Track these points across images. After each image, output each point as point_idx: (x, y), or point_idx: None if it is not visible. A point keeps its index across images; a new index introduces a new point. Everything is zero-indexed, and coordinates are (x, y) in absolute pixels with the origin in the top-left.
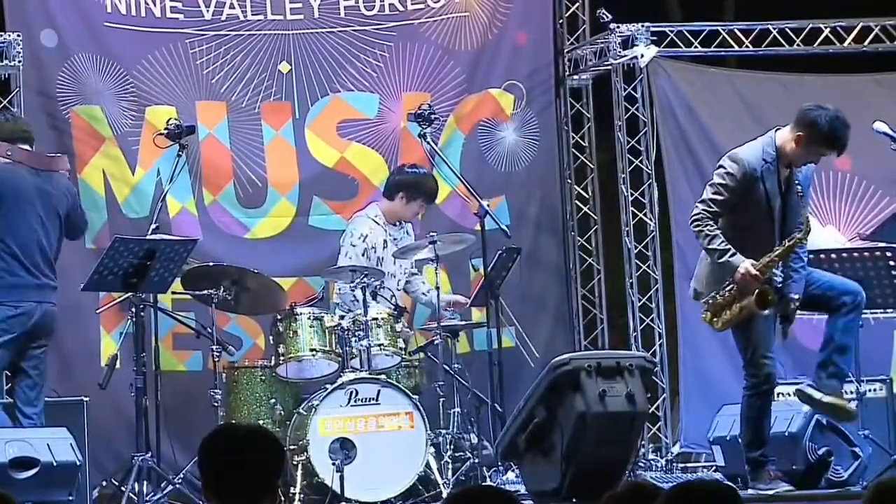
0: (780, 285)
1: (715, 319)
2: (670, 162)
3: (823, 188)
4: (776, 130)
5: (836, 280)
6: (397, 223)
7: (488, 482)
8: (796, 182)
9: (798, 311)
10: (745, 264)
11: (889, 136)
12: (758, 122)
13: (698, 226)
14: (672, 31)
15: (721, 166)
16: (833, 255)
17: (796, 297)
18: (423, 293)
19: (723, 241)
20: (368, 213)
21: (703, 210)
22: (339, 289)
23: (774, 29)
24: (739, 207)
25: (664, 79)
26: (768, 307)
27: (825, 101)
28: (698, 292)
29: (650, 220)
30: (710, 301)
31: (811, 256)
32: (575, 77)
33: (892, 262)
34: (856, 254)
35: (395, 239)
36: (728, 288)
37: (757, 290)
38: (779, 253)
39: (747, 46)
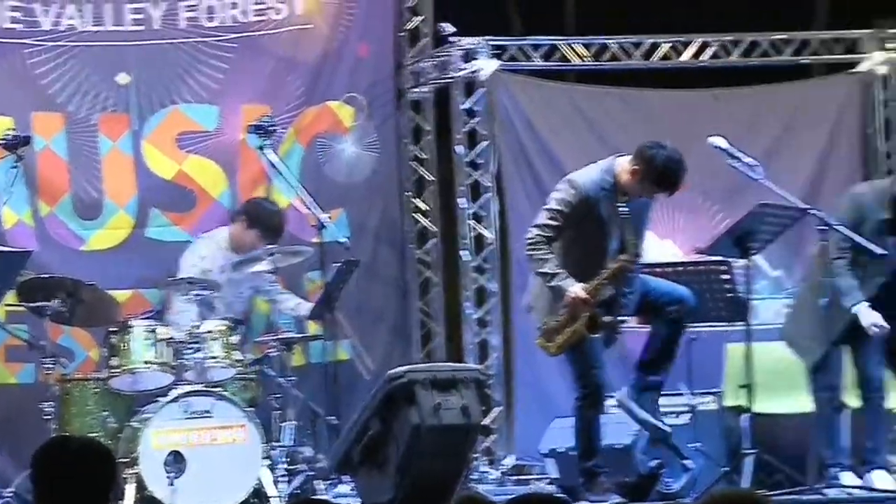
0: (610, 306)
1: (549, 344)
2: (509, 176)
3: (662, 203)
4: (616, 157)
5: (669, 288)
6: (240, 252)
7: (322, 495)
8: (625, 208)
9: (634, 323)
10: (573, 288)
11: (725, 151)
12: (598, 137)
13: (531, 249)
14: (513, 46)
15: (558, 190)
16: (669, 269)
17: (624, 319)
18: (291, 308)
19: (554, 265)
20: (214, 235)
21: (538, 234)
22: (175, 301)
23: (615, 44)
24: (576, 231)
25: (504, 93)
26: (598, 331)
27: (664, 116)
28: (531, 306)
29: (489, 233)
30: (543, 327)
31: (647, 270)
32: (416, 90)
33: (725, 276)
34: (691, 267)
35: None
36: (560, 312)
37: (587, 315)
38: (607, 275)
39: (588, 60)
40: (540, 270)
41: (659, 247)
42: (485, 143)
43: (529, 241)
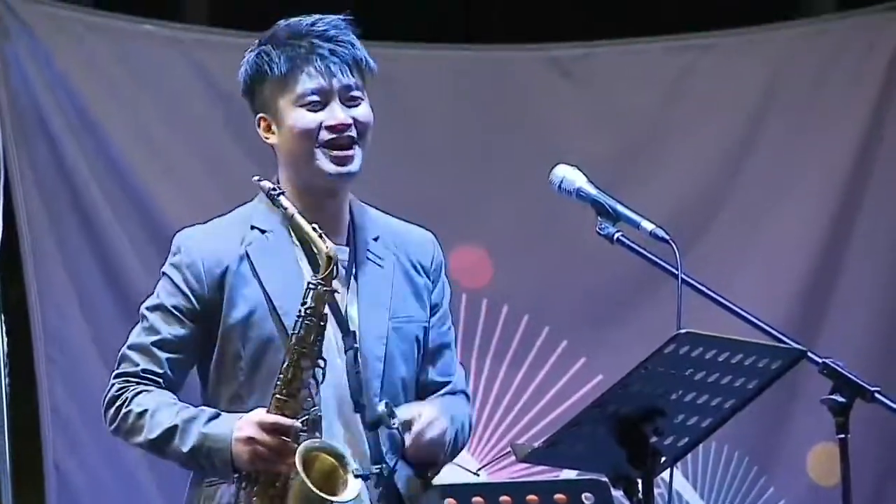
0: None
1: None
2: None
3: None
4: None
5: None
6: None
7: None
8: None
9: None
10: (249, 417)
11: (579, 193)
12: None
13: (117, 406)
14: None
15: (174, 255)
16: None
17: None
18: None
19: (176, 410)
20: None
21: (133, 354)
22: None
23: None
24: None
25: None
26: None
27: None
28: None
29: None
30: None
31: None
32: None
33: None
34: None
35: None
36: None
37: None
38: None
39: None
40: (149, 437)
41: None
42: None
43: (119, 385)
